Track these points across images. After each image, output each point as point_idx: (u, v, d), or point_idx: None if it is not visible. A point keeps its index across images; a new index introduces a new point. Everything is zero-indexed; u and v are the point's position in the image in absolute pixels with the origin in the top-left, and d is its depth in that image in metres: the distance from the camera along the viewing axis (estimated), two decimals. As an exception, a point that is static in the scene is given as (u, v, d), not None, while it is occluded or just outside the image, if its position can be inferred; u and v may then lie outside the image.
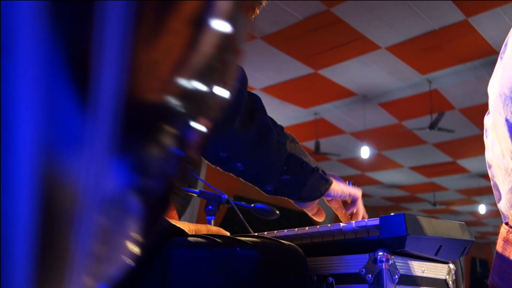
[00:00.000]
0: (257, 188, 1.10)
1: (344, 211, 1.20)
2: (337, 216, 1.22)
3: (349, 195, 1.17)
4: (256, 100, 1.03)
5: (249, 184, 1.09)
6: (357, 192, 1.18)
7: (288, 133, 1.09)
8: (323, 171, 1.11)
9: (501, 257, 0.86)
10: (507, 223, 0.87)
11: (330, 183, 1.12)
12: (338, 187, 1.14)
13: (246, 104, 0.99)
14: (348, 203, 1.21)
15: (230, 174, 1.08)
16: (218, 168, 1.06)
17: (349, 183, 1.19)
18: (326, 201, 1.20)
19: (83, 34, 0.22)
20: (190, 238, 0.94)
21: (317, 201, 1.17)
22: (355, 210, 1.19)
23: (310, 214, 1.20)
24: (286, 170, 1.05)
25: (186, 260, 0.88)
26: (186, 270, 0.88)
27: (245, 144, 1.00)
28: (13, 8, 0.20)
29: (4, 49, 0.20)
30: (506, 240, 0.86)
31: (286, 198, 1.14)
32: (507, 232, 0.86)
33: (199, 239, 0.93)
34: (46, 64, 0.21)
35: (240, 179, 1.08)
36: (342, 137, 8.19)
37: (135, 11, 0.23)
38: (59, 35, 0.21)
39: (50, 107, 0.21)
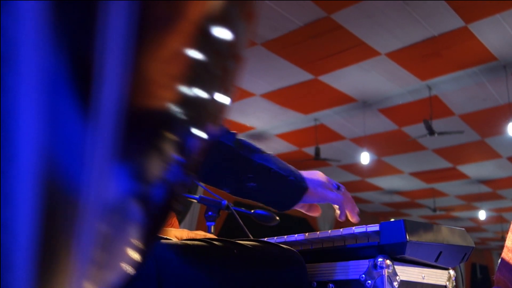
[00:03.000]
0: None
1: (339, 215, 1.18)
2: (337, 222, 1.22)
3: (328, 200, 1.13)
4: None
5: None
6: (337, 198, 1.13)
7: (248, 141, 1.08)
8: (299, 177, 1.09)
9: (511, 249, 0.87)
10: None
11: (304, 190, 1.08)
12: (315, 193, 1.10)
13: None
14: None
15: None
16: None
17: (334, 186, 1.15)
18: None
19: (85, 42, 0.22)
20: (187, 241, 0.94)
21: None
22: (346, 215, 1.16)
23: (302, 211, 1.18)
24: (252, 177, 1.04)
25: (182, 262, 0.88)
26: (182, 272, 0.88)
27: None
28: (16, 17, 0.21)
29: (6, 57, 0.20)
30: None
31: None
32: None
33: (196, 242, 0.93)
34: (48, 72, 0.21)
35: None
36: (342, 143, 8.19)
37: (137, 20, 0.23)
38: (61, 43, 0.22)
39: (52, 114, 0.22)
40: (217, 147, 1.01)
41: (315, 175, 1.13)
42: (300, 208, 1.16)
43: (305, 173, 1.12)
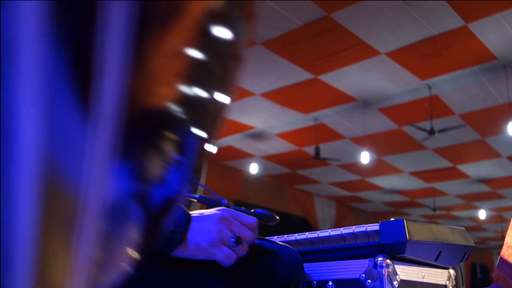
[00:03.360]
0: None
1: None
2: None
3: (217, 260, 0.89)
4: None
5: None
6: (226, 259, 0.89)
7: None
8: (177, 229, 0.88)
9: (510, 246, 0.88)
10: None
11: (176, 244, 0.87)
12: (195, 252, 0.88)
13: None
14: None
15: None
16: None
17: (231, 242, 0.90)
18: None
19: (85, 41, 0.22)
20: None
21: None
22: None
23: None
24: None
25: (182, 260, 0.88)
26: (181, 270, 0.88)
27: None
28: (16, 17, 0.21)
29: (6, 57, 0.21)
30: None
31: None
32: None
33: None
34: (48, 71, 0.21)
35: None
36: (342, 143, 8.19)
37: (137, 19, 0.23)
38: (61, 41, 0.22)
39: (52, 114, 0.22)
40: None
41: (209, 224, 0.90)
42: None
43: (197, 221, 0.90)
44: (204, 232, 0.88)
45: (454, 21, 4.78)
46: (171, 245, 0.86)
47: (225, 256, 0.88)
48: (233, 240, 0.89)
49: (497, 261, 0.95)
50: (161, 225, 0.31)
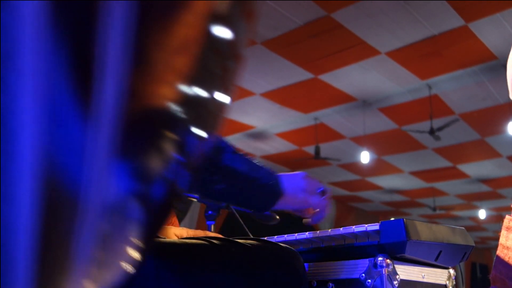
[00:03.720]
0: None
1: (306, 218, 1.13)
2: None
3: (311, 205, 1.08)
4: None
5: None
6: (319, 204, 1.08)
7: (222, 144, 1.03)
8: (274, 181, 1.04)
9: (504, 245, 0.88)
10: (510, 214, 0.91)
11: (278, 195, 1.03)
12: (294, 199, 1.05)
13: None
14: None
15: None
16: None
17: (318, 189, 1.09)
18: None
19: (86, 40, 0.22)
20: (186, 240, 0.94)
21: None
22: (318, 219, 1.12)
23: (299, 214, 1.13)
24: (219, 179, 0.99)
25: (181, 261, 0.88)
26: (181, 271, 0.88)
27: None
28: (16, 17, 0.21)
29: (7, 57, 0.21)
30: (508, 227, 0.89)
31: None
32: (509, 221, 0.89)
33: (195, 241, 0.93)
34: (49, 72, 0.21)
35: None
36: (342, 142, 8.19)
37: (137, 21, 0.23)
38: (62, 42, 0.22)
39: (53, 114, 0.22)
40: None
41: (297, 178, 1.07)
42: (293, 210, 1.11)
43: (286, 177, 1.06)
44: (296, 183, 1.04)
45: (454, 20, 4.78)
46: (275, 194, 1.01)
47: (318, 201, 1.06)
48: (320, 189, 1.07)
49: (494, 262, 0.95)
50: (161, 223, 0.31)
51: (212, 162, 0.99)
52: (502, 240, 0.93)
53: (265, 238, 1.15)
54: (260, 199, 1.04)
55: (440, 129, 6.54)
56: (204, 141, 0.30)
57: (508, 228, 0.89)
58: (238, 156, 1.02)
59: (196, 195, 1.01)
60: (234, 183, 1.01)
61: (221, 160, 0.99)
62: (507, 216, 0.95)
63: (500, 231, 0.97)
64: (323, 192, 1.10)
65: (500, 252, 0.94)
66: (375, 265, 0.95)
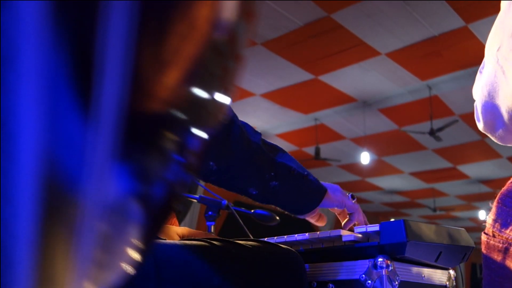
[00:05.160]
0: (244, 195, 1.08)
1: (343, 223, 1.17)
2: (338, 221, 1.21)
3: (346, 206, 1.14)
4: None
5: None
6: (353, 206, 1.14)
7: (273, 143, 1.08)
8: (316, 179, 1.09)
9: (487, 266, 0.86)
10: (485, 232, 0.88)
11: (324, 192, 1.09)
12: (335, 197, 1.11)
13: None
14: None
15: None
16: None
17: (349, 196, 1.15)
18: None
19: (86, 42, 0.22)
20: (186, 241, 0.94)
21: (316, 210, 1.14)
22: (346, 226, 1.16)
23: (312, 221, 1.18)
24: (274, 176, 1.03)
25: (181, 262, 0.88)
26: (181, 272, 0.88)
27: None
28: (16, 17, 0.21)
29: (7, 57, 0.20)
30: (487, 248, 0.87)
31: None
32: (487, 239, 0.87)
33: (195, 242, 0.93)
34: (49, 72, 0.21)
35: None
36: (342, 143, 8.19)
37: (138, 19, 0.23)
38: (62, 42, 0.22)
39: (53, 114, 0.22)
40: (247, 145, 1.00)
41: (332, 184, 1.14)
42: (310, 218, 1.15)
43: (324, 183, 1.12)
44: (333, 184, 1.13)
45: (454, 21, 4.78)
46: (321, 192, 1.08)
47: (352, 203, 1.13)
48: (351, 194, 1.16)
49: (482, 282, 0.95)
50: (161, 224, 0.31)
51: (270, 159, 1.03)
52: (484, 259, 0.93)
53: (265, 239, 1.15)
54: (308, 197, 1.08)
55: (440, 129, 6.53)
56: (204, 142, 0.30)
57: (488, 248, 0.88)
58: (288, 155, 1.08)
59: (254, 191, 1.04)
60: (286, 180, 1.05)
61: (275, 158, 1.04)
62: (483, 234, 0.94)
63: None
64: (352, 197, 1.15)
65: (485, 273, 0.93)
66: (375, 266, 0.95)
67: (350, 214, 1.16)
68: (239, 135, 0.99)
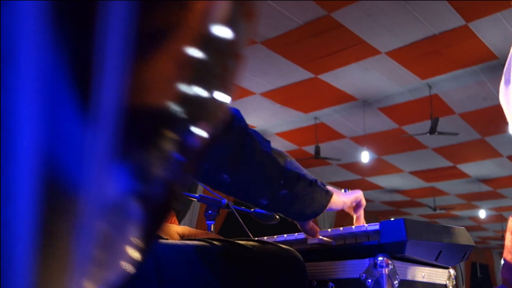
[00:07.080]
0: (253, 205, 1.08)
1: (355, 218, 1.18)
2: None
3: (352, 202, 1.14)
4: (232, 108, 1.01)
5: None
6: (358, 195, 1.16)
7: (279, 149, 1.07)
8: (322, 183, 1.09)
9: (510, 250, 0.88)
10: None
11: (330, 195, 1.09)
12: (339, 199, 1.11)
13: None
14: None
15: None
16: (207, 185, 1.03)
17: (344, 190, 1.16)
18: None
19: (85, 41, 0.22)
20: (186, 241, 0.94)
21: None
22: (358, 214, 1.17)
23: (304, 230, 1.14)
24: (283, 184, 1.02)
25: (182, 262, 0.88)
26: (182, 272, 0.88)
27: (226, 151, 0.97)
28: (15, 17, 0.21)
29: (6, 57, 0.20)
30: None
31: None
32: None
33: (195, 242, 0.93)
34: (48, 71, 0.21)
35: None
36: (342, 142, 8.19)
37: (137, 19, 0.23)
38: (61, 42, 0.22)
39: (52, 113, 0.22)
40: (260, 156, 1.00)
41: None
42: (304, 226, 1.13)
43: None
44: (333, 188, 1.13)
45: (455, 20, 4.77)
46: (329, 193, 1.08)
47: (352, 196, 1.14)
48: (346, 190, 1.16)
49: (501, 263, 0.95)
50: (161, 223, 0.31)
51: (280, 168, 1.02)
52: (507, 243, 0.93)
53: (265, 238, 1.15)
54: (316, 201, 1.07)
55: (440, 132, 6.53)
56: (203, 141, 0.30)
57: None
58: (293, 161, 1.07)
59: (265, 201, 1.03)
60: (295, 187, 1.04)
61: (285, 166, 1.03)
62: (510, 218, 0.94)
63: (501, 231, 0.97)
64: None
65: (505, 255, 0.93)
66: (375, 265, 0.95)
67: (357, 206, 1.17)
68: (253, 147, 0.99)
